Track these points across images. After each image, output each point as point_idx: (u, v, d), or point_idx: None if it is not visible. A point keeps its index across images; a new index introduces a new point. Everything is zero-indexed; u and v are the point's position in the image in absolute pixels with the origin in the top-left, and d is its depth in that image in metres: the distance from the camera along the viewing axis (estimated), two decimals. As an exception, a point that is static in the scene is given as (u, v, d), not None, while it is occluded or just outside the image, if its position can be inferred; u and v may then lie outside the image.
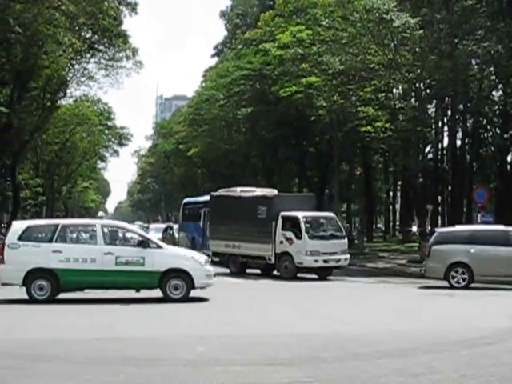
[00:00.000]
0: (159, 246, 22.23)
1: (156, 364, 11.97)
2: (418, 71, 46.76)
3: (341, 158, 65.61)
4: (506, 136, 57.02)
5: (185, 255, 23.20)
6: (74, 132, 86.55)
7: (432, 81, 48.77)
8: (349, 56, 46.22)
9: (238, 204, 35.66)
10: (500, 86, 55.87)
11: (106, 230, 22.07)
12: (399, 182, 72.96)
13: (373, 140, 53.04)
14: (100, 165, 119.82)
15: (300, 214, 32.86)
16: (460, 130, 61.05)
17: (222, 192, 39.76)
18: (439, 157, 68.44)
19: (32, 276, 20.85)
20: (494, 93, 58.05)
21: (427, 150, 66.37)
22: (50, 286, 20.95)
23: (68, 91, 69.68)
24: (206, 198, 46.27)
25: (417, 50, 45.27)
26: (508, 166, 54.89)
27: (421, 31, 43.74)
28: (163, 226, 67.49)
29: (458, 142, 61.71)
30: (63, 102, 72.23)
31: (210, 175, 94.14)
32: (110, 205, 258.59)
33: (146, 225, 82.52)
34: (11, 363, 11.95)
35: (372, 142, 55.29)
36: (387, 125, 48.88)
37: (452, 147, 60.13)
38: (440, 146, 68.26)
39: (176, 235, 52.20)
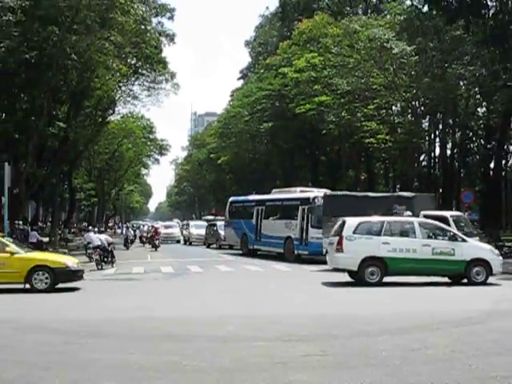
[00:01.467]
0: (464, 240, 22.80)
1: (190, 340, 11.96)
2: (414, 91, 46.67)
3: (348, 165, 65.49)
4: (488, 146, 57.14)
5: (484, 247, 23.91)
6: (121, 143, 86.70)
7: (426, 99, 48.63)
8: (354, 78, 46.19)
9: (365, 203, 31.54)
10: (484, 103, 55.67)
11: (422, 226, 22.91)
12: (398, 186, 72.46)
13: (375, 150, 52.95)
14: (143, 171, 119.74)
15: (448, 214, 30.53)
16: (450, 141, 60.92)
17: (337, 192, 36.82)
18: (432, 164, 68.22)
19: (365, 263, 21.91)
20: (478, 109, 57.90)
21: (421, 158, 66.07)
22: (379, 271, 21.92)
23: (116, 109, 69.86)
24: (258, 197, 45.96)
25: (412, 73, 45.17)
26: (491, 172, 54.61)
27: (416, 57, 43.71)
28: (202, 223, 65.32)
29: (448, 152, 61.45)
30: (112, 118, 72.38)
31: (236, 180, 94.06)
32: (152, 205, 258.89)
33: (184, 222, 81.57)
34: (72, 338, 12.02)
35: (374, 152, 55.17)
36: (387, 137, 48.77)
37: (443, 156, 59.86)
38: (432, 154, 67.99)
39: (221, 232, 48.74)
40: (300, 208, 35.30)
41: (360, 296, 19.32)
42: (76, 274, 21.93)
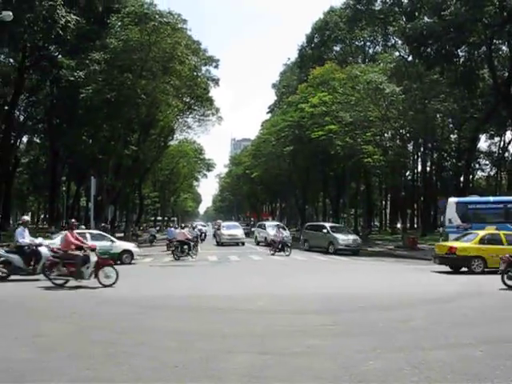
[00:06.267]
0: None
1: (230, 312, 11.92)
2: (402, 122, 46.46)
3: (350, 179, 65.18)
4: (459, 164, 56.56)
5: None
6: (178, 162, 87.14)
7: (411, 128, 48.41)
8: (355, 112, 46.03)
9: None
10: (455, 131, 55.36)
11: None
12: (389, 195, 72.05)
13: (372, 167, 52.73)
14: (195, 183, 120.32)
15: None
16: (429, 160, 60.61)
17: None
18: (415, 178, 67.89)
19: None
20: (451, 136, 57.61)
21: (407, 173, 65.78)
22: None
23: (174, 136, 70.30)
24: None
25: (400, 108, 44.91)
26: (461, 185, 54.08)
27: (403, 95, 43.52)
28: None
29: (428, 168, 61.15)
30: (171, 142, 72.80)
31: (265, 190, 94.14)
32: (201, 209, 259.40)
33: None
34: (140, 310, 12.04)
35: (371, 169, 54.94)
36: (381, 157, 48.52)
37: (423, 172, 59.70)
38: (415, 170, 67.84)
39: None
40: None
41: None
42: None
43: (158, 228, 72.19)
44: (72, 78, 40.33)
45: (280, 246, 32.70)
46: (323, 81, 54.81)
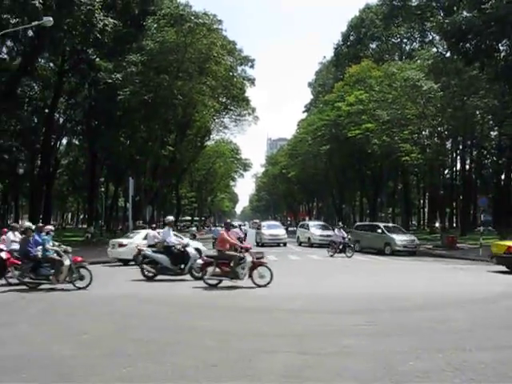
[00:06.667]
0: None
1: (270, 311, 11.90)
2: (440, 119, 45.76)
3: (388, 177, 64.58)
4: (500, 162, 55.43)
5: None
6: (214, 162, 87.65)
7: (449, 125, 47.62)
8: (393, 110, 45.60)
9: None
10: (496, 128, 54.30)
11: None
12: (427, 194, 71.06)
13: (409, 166, 52.20)
14: (231, 183, 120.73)
15: None
16: (468, 158, 59.59)
17: None
18: (454, 176, 66.85)
19: None
20: (491, 133, 56.42)
21: (446, 172, 64.85)
22: None
23: (211, 136, 70.79)
24: None
25: (438, 105, 44.27)
26: (502, 182, 53.07)
27: (441, 92, 42.87)
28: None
29: (467, 166, 60.14)
30: (208, 143, 73.28)
31: (302, 190, 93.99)
32: (238, 209, 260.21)
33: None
34: (181, 309, 12.16)
35: (409, 167, 54.38)
36: (419, 155, 47.94)
37: (463, 170, 58.60)
38: (454, 169, 66.73)
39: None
40: None
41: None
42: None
43: (223, 225, 72.40)
44: (110, 81, 40.85)
45: (341, 247, 31.06)
46: (359, 79, 54.52)
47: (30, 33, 39.89)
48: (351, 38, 70.75)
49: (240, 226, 43.16)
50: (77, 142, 64.74)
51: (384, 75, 47.55)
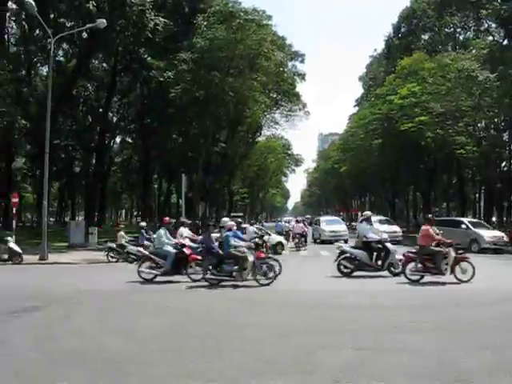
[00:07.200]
0: None
1: (317, 308, 11.90)
2: (496, 110, 44.61)
3: (442, 171, 63.41)
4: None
5: None
6: (266, 158, 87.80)
7: (506, 117, 46.40)
8: (447, 102, 44.71)
9: None
10: (556, 118, 52.69)
11: None
12: (483, 187, 69.37)
13: (464, 159, 51.08)
14: (283, 179, 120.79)
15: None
16: (527, 150, 57.93)
17: None
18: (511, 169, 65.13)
19: None
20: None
21: (503, 164, 63.16)
22: None
23: (262, 132, 70.94)
24: None
25: (495, 95, 43.10)
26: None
27: (498, 82, 41.73)
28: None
29: (526, 158, 58.51)
30: (259, 138, 73.46)
31: (354, 184, 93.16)
32: (290, 205, 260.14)
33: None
34: (237, 305, 12.20)
35: (464, 160, 53.17)
36: (474, 148, 46.93)
37: (521, 162, 57.10)
38: (512, 161, 64.96)
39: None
40: None
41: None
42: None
43: (285, 220, 72.45)
44: (161, 79, 41.40)
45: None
46: (412, 71, 53.58)
47: (85, 35, 40.84)
48: (402, 29, 69.63)
49: (304, 221, 41.93)
50: (130, 140, 65.97)
51: (437, 67, 46.71)
